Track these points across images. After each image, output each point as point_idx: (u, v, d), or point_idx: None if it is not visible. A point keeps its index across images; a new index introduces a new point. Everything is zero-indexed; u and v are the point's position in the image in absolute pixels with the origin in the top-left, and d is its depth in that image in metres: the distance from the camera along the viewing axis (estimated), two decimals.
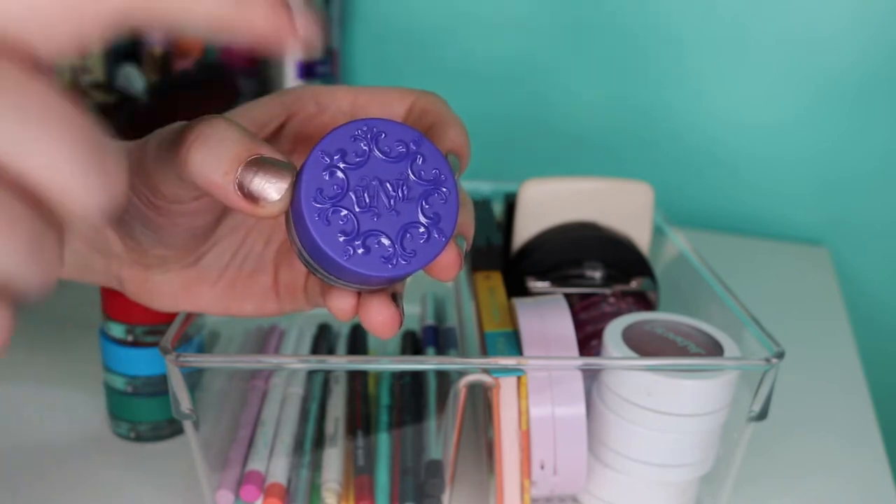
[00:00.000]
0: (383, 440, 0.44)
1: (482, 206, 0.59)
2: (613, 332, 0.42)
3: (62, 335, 0.60)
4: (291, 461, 0.43)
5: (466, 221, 0.29)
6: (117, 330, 0.46)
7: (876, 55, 0.81)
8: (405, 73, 0.97)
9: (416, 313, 0.58)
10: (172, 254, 0.31)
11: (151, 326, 0.46)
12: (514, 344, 0.42)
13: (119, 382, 0.47)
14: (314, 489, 0.42)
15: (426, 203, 0.26)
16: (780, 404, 0.53)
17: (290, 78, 0.90)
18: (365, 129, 0.25)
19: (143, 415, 0.48)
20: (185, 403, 0.38)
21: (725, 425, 0.42)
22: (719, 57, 0.86)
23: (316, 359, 0.38)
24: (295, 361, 0.39)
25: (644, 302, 0.51)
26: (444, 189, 0.26)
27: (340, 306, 0.28)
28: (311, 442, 0.44)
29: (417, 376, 0.47)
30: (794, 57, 0.83)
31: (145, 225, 0.30)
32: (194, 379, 0.38)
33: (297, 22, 0.22)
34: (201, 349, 0.47)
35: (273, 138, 0.31)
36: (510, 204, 0.56)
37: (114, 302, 0.46)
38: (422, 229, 0.25)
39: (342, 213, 0.25)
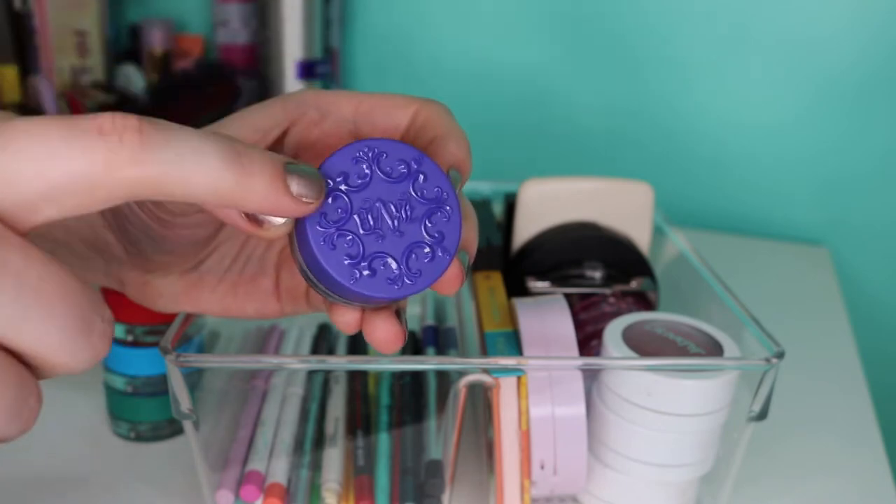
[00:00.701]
0: (383, 440, 0.44)
1: (482, 206, 0.59)
2: (613, 332, 0.42)
3: None
4: (291, 461, 0.43)
5: (470, 236, 0.29)
6: (117, 330, 0.46)
7: (876, 55, 0.81)
8: (405, 73, 0.97)
9: (416, 313, 0.58)
10: (174, 260, 0.31)
11: (151, 326, 0.46)
12: (514, 344, 0.42)
13: (119, 382, 0.47)
14: (314, 489, 0.42)
15: (429, 222, 0.26)
16: (780, 404, 0.53)
17: (291, 78, 0.90)
18: (366, 149, 0.25)
19: (143, 415, 0.48)
20: (185, 403, 0.38)
21: (725, 425, 0.42)
22: (719, 57, 0.86)
23: (316, 359, 0.38)
24: (295, 361, 0.39)
25: (644, 302, 0.51)
26: (447, 207, 0.26)
27: (345, 321, 0.28)
28: (311, 442, 0.44)
29: (417, 376, 0.47)
30: (795, 57, 0.83)
31: (148, 235, 0.30)
32: (194, 379, 0.38)
33: (294, 186, 0.23)
34: (201, 349, 0.47)
35: (276, 146, 0.31)
36: (510, 204, 0.56)
37: (114, 302, 0.46)
38: (426, 249, 0.26)
39: (347, 237, 0.25)
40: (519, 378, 0.39)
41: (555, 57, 0.91)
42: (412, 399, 0.46)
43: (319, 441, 0.44)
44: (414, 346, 0.55)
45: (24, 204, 0.19)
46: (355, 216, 0.25)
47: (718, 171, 0.90)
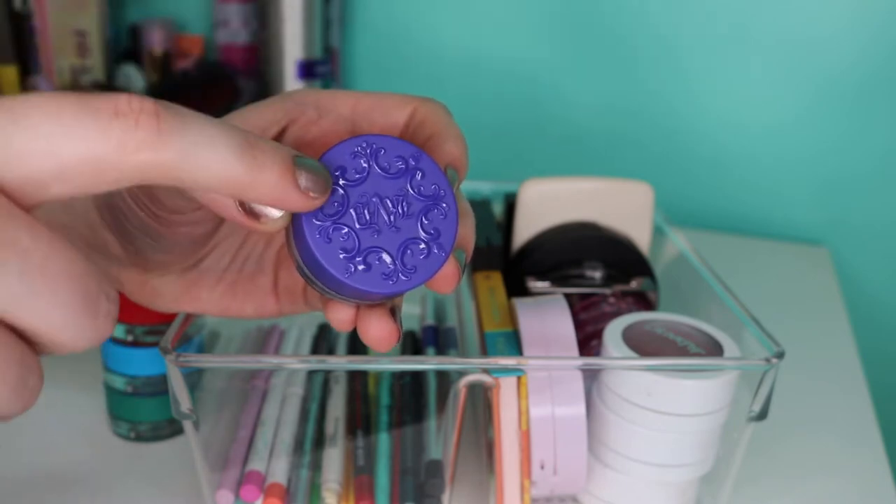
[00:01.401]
0: (383, 440, 0.44)
1: (482, 206, 0.59)
2: (613, 332, 0.42)
3: None
4: (291, 461, 0.43)
5: (467, 234, 0.29)
6: (117, 330, 0.46)
7: (876, 55, 0.81)
8: (405, 73, 0.97)
9: (416, 313, 0.58)
10: (173, 259, 0.31)
11: (151, 326, 0.46)
12: (514, 344, 0.42)
13: (119, 382, 0.47)
14: (314, 489, 0.42)
15: (426, 219, 0.26)
16: (780, 404, 0.53)
17: (291, 78, 0.90)
18: (364, 145, 0.26)
19: (143, 415, 0.48)
20: (185, 403, 0.38)
21: (725, 425, 0.42)
22: (719, 57, 0.86)
23: (316, 359, 0.38)
24: (295, 361, 0.39)
25: (644, 302, 0.51)
26: (444, 204, 0.26)
27: (340, 318, 0.28)
28: (311, 442, 0.44)
29: (417, 376, 0.47)
30: (795, 57, 0.84)
31: (146, 233, 0.30)
32: (194, 379, 0.38)
33: (302, 181, 0.23)
34: (201, 349, 0.47)
35: None
36: (510, 204, 0.56)
37: None
38: (422, 245, 0.26)
39: (343, 231, 0.25)
40: (519, 378, 0.39)
41: (555, 57, 0.91)
42: (412, 399, 0.46)
43: (319, 441, 0.44)
44: (414, 346, 0.55)
45: (33, 180, 0.19)
46: (352, 210, 0.25)
47: (718, 171, 0.90)
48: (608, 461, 0.42)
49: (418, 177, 0.26)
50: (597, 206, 0.55)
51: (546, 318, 0.42)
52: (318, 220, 0.25)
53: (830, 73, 0.83)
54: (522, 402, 0.40)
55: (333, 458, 0.43)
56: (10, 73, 0.85)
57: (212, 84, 0.87)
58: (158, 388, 0.47)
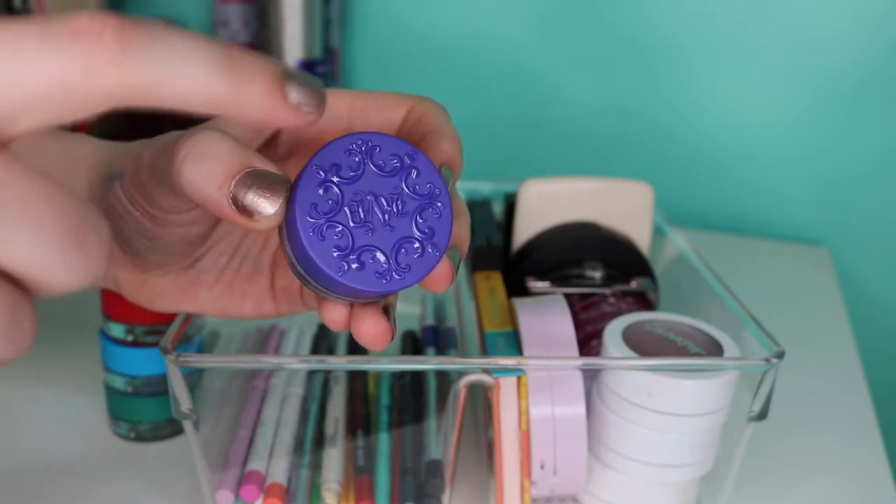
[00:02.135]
0: (383, 440, 0.44)
1: (482, 206, 0.59)
2: (613, 332, 0.42)
3: (62, 335, 0.60)
4: (291, 461, 0.43)
5: (462, 233, 0.29)
6: (117, 330, 0.46)
7: (876, 55, 0.81)
8: (405, 73, 0.97)
9: (416, 313, 0.58)
10: (170, 259, 0.31)
11: (151, 326, 0.46)
12: (514, 344, 0.42)
13: (119, 382, 0.47)
14: (314, 489, 0.42)
15: (420, 218, 0.26)
16: (780, 404, 0.53)
17: None
18: (359, 142, 0.25)
19: (143, 415, 0.48)
20: (185, 403, 0.38)
21: (725, 425, 0.42)
22: (719, 57, 0.86)
23: (316, 359, 0.38)
24: (295, 361, 0.39)
25: (644, 302, 0.51)
26: (439, 203, 0.26)
27: (333, 318, 0.28)
28: (311, 442, 0.44)
29: (417, 376, 0.47)
30: (794, 57, 0.84)
31: (142, 234, 0.30)
32: (194, 379, 0.38)
33: (293, 95, 0.22)
34: (201, 349, 0.47)
35: (269, 143, 0.31)
36: (510, 204, 0.56)
37: (114, 302, 0.46)
38: (416, 244, 0.25)
39: (337, 229, 0.25)
40: (519, 378, 0.39)
41: (555, 57, 0.91)
42: (412, 399, 0.46)
43: (319, 441, 0.44)
44: (414, 346, 0.55)
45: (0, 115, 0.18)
46: (346, 208, 0.25)
47: (718, 171, 0.90)
48: (608, 461, 0.42)
49: (413, 175, 0.26)
50: (597, 206, 0.55)
51: (546, 318, 0.42)
52: (312, 218, 0.25)
53: (830, 73, 0.83)
54: (522, 402, 0.40)
55: (333, 458, 0.43)
56: None
57: None
58: (158, 388, 0.47)
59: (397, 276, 0.25)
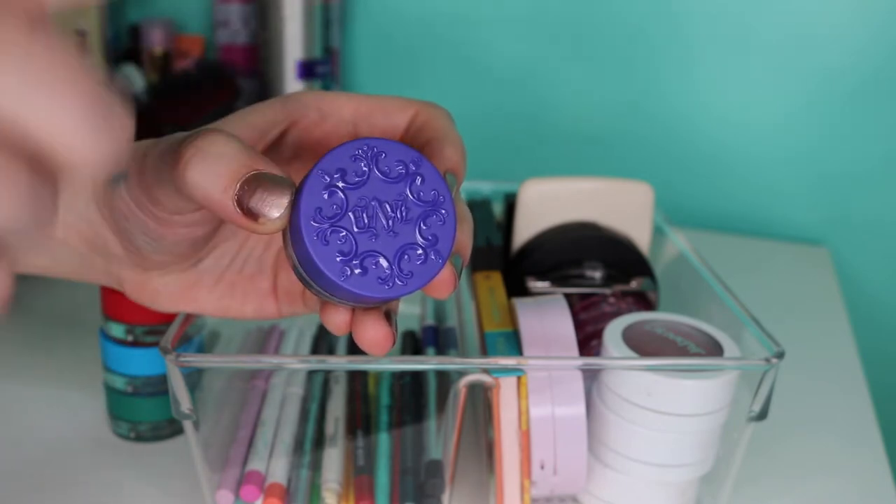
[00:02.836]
0: (383, 440, 0.44)
1: (482, 206, 0.59)
2: (613, 332, 0.42)
3: (62, 335, 0.60)
4: (291, 461, 0.43)
5: (464, 240, 0.29)
6: (117, 330, 0.46)
7: (876, 54, 0.81)
8: (405, 72, 0.97)
9: (416, 313, 0.58)
10: (173, 259, 0.31)
11: (151, 326, 0.46)
12: (514, 344, 0.42)
13: (119, 382, 0.47)
14: (314, 489, 0.42)
15: (424, 224, 0.26)
16: (780, 404, 0.53)
17: (291, 78, 0.90)
18: (365, 148, 0.25)
19: (143, 415, 0.48)
20: (185, 403, 0.38)
21: (725, 425, 0.42)
22: (719, 56, 0.86)
23: (316, 359, 0.38)
24: (295, 361, 0.39)
25: (644, 302, 0.51)
26: (443, 211, 0.26)
27: (335, 322, 0.28)
28: (311, 442, 0.44)
29: (417, 376, 0.47)
30: (794, 56, 0.84)
31: (146, 234, 0.30)
32: (194, 379, 0.38)
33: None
34: (201, 349, 0.47)
35: (274, 146, 0.31)
36: (510, 204, 0.56)
37: (114, 302, 0.46)
38: (419, 251, 0.25)
39: (341, 234, 0.25)
40: (519, 378, 0.39)
41: (555, 57, 0.91)
42: (412, 399, 0.46)
43: (319, 441, 0.44)
44: (414, 346, 0.55)
45: None
46: (350, 213, 0.25)
47: (718, 170, 0.90)
48: (608, 461, 0.42)
49: (418, 182, 0.26)
50: (597, 206, 0.55)
51: (546, 318, 0.42)
52: (316, 222, 0.25)
53: (830, 72, 0.83)
54: (522, 402, 0.40)
55: (333, 458, 0.43)
56: None
57: (212, 84, 0.87)
58: (158, 388, 0.47)
59: (400, 283, 0.25)
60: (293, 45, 0.89)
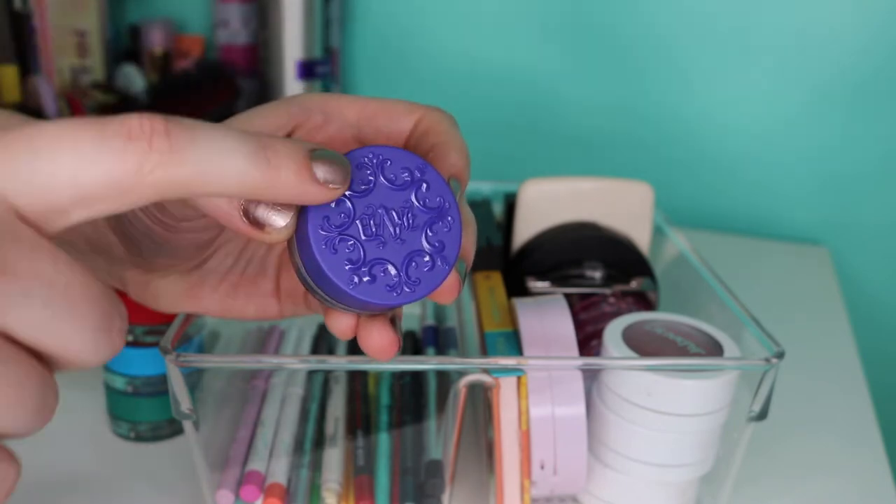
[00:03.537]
0: (383, 440, 0.44)
1: (482, 206, 0.59)
2: (613, 332, 0.42)
3: None
4: (291, 461, 0.43)
5: (468, 244, 0.29)
6: None
7: (876, 54, 0.81)
8: (405, 73, 0.97)
9: (416, 313, 0.58)
10: (176, 261, 0.31)
11: (151, 326, 0.46)
12: (514, 344, 0.42)
13: (119, 382, 0.47)
14: (314, 489, 0.42)
15: (430, 231, 0.26)
16: (780, 404, 0.53)
17: (291, 78, 0.90)
18: (370, 156, 0.26)
19: (143, 415, 0.48)
20: (185, 403, 0.38)
21: (725, 425, 0.42)
22: (719, 57, 0.86)
23: (316, 359, 0.38)
24: (295, 361, 0.39)
25: (644, 302, 0.51)
26: (448, 217, 0.26)
27: (340, 327, 0.28)
28: (311, 442, 0.44)
29: (417, 376, 0.47)
30: (794, 57, 0.83)
31: (150, 237, 0.30)
32: (194, 379, 0.38)
33: (320, 174, 0.23)
34: (201, 349, 0.47)
35: None
36: (510, 204, 0.56)
37: None
38: (426, 258, 0.26)
39: (349, 242, 0.25)
40: (519, 378, 0.39)
41: (554, 56, 0.91)
42: (412, 399, 0.46)
43: (319, 441, 0.44)
44: (414, 346, 0.55)
45: (55, 208, 0.20)
46: (357, 221, 0.25)
47: (718, 170, 0.90)
48: (608, 461, 0.42)
49: (423, 189, 0.26)
50: (597, 206, 0.55)
51: (546, 318, 0.42)
52: (324, 231, 0.25)
53: (831, 73, 0.83)
54: (522, 402, 0.40)
55: (333, 458, 0.43)
56: (10, 73, 0.85)
57: (212, 84, 0.87)
58: (158, 388, 0.47)
59: (408, 289, 0.25)
60: (293, 45, 0.89)
